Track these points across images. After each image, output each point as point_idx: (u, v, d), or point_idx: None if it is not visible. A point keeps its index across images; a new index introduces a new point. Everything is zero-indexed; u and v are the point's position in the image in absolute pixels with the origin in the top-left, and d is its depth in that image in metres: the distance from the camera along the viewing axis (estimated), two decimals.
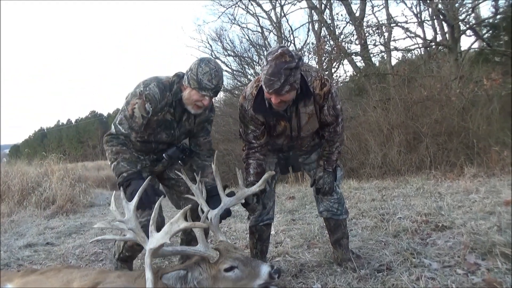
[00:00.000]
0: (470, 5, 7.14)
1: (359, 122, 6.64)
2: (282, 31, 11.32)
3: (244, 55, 12.29)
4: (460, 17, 6.94)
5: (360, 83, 8.05)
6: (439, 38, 8.14)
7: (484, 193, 3.64)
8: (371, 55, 8.52)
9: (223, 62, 12.24)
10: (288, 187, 6.38)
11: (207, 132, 2.26)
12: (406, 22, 7.68)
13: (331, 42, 8.50)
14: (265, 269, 1.41)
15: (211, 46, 12.45)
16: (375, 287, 1.90)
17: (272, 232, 2.87)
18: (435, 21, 8.13)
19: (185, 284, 1.40)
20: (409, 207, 3.54)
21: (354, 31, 8.56)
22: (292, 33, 11.19)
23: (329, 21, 9.54)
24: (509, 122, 5.03)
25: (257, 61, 12.09)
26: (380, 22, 8.39)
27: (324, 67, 7.94)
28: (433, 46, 7.81)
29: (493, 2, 6.36)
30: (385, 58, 9.42)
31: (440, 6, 6.92)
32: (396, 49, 8.06)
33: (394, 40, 8.29)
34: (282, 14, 11.38)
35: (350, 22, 8.68)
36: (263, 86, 1.79)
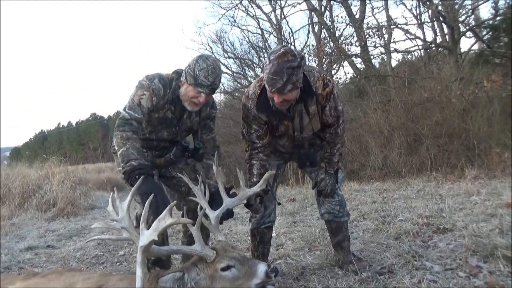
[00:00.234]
0: (470, 7, 7.16)
1: (360, 124, 6.64)
2: (282, 33, 11.34)
3: (244, 57, 12.30)
4: (460, 19, 6.94)
5: (361, 85, 8.06)
6: (439, 39, 8.16)
7: (485, 195, 3.64)
8: (371, 57, 8.52)
9: (224, 64, 12.24)
10: (288, 189, 6.37)
11: (209, 129, 2.24)
12: (406, 24, 7.68)
13: (331, 44, 8.52)
14: (262, 268, 1.40)
15: (211, 48, 12.47)
16: None
17: (273, 234, 2.87)
18: (435, 22, 8.15)
19: (182, 286, 1.39)
20: (410, 209, 3.54)
21: (354, 33, 8.57)
22: (292, 35, 11.20)
23: (329, 23, 9.56)
24: (510, 124, 5.03)
25: (257, 63, 12.11)
26: (380, 24, 8.42)
27: (324, 69, 7.95)
28: (433, 48, 7.81)
29: (493, 4, 6.37)
30: (385, 60, 9.42)
31: (440, 7, 6.93)
32: (396, 51, 8.06)
33: (394, 42, 8.30)
34: (282, 16, 11.40)
35: (350, 24, 8.69)
36: (266, 85, 1.79)
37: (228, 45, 12.34)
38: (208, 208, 1.74)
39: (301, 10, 10.83)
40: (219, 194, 1.86)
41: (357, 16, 8.76)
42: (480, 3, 6.95)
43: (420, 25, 8.37)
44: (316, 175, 2.18)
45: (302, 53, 1.83)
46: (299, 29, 20.38)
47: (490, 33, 6.66)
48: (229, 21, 12.08)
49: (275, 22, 11.65)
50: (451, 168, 5.20)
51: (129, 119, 1.88)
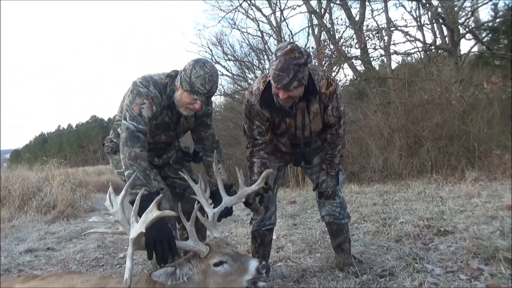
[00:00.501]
0: (469, 9, 7.17)
1: (360, 126, 6.64)
2: (282, 35, 11.36)
3: (244, 60, 12.34)
4: (460, 21, 6.95)
5: (361, 87, 8.07)
6: (438, 41, 8.17)
7: (486, 197, 3.63)
8: (371, 59, 8.54)
9: (223, 67, 12.29)
10: (289, 191, 6.36)
11: (207, 126, 2.18)
12: (405, 26, 7.72)
13: (331, 46, 8.52)
14: (253, 264, 1.41)
15: (211, 50, 12.49)
16: None
17: (274, 237, 2.86)
18: (435, 24, 8.15)
19: (175, 281, 1.41)
20: (410, 211, 3.53)
21: (354, 35, 8.58)
22: (292, 38, 11.21)
23: (329, 25, 9.57)
24: (510, 126, 5.03)
25: (257, 65, 12.15)
26: (380, 26, 8.43)
27: None
28: (433, 50, 7.82)
29: (493, 6, 6.39)
30: (385, 62, 9.43)
31: (439, 10, 6.95)
32: (396, 53, 8.07)
33: (394, 44, 8.28)
34: (282, 19, 11.44)
35: (350, 26, 8.70)
36: (271, 81, 1.78)
37: (228, 48, 12.38)
38: (207, 205, 1.73)
39: (300, 12, 10.93)
40: (218, 193, 1.84)
41: (357, 18, 8.77)
42: (479, 5, 6.97)
43: (420, 27, 8.41)
44: (317, 177, 2.18)
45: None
46: (299, 31, 20.40)
47: (490, 35, 6.68)
48: (229, 23, 12.15)
49: (275, 24, 11.69)
50: (451, 170, 5.19)
51: (135, 131, 1.78)
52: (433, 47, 7.87)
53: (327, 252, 2.60)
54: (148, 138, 2.01)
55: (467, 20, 7.11)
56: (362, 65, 8.67)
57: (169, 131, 2.06)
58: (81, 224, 5.48)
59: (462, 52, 7.23)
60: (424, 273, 2.02)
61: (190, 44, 14.73)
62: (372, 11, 8.77)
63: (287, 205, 4.94)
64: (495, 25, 6.43)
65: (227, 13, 11.57)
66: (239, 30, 12.05)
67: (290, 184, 6.74)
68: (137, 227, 1.35)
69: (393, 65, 9.07)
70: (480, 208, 3.20)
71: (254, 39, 12.14)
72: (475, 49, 7.35)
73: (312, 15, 10.15)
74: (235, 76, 12.62)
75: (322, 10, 9.92)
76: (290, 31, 11.50)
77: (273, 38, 11.82)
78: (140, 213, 1.47)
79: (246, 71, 12.44)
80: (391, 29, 8.09)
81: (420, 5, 7.87)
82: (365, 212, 3.74)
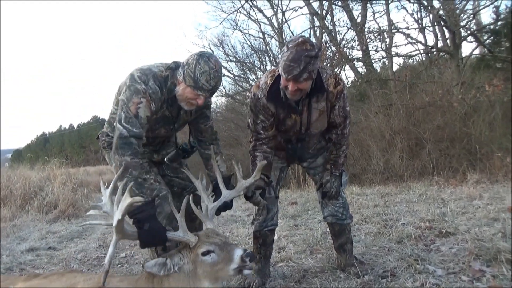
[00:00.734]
0: (471, 11, 7.18)
1: (361, 128, 6.63)
2: (283, 37, 11.38)
3: (245, 61, 12.37)
4: (461, 23, 6.96)
5: (362, 89, 8.07)
6: (440, 44, 8.16)
7: (488, 199, 3.63)
8: (373, 61, 8.54)
9: (225, 68, 12.31)
10: (290, 192, 6.36)
11: (206, 118, 2.13)
12: (407, 28, 7.71)
13: (333, 48, 8.54)
14: (237, 252, 1.43)
15: (213, 51, 12.51)
16: None
17: (275, 237, 2.86)
18: (436, 27, 8.15)
19: (167, 271, 1.44)
20: (412, 213, 3.53)
21: (356, 37, 8.61)
22: None
23: (330, 27, 9.59)
24: (511, 128, 5.02)
25: (258, 66, 12.17)
26: (382, 28, 8.45)
27: None
28: (435, 52, 7.83)
29: (494, 9, 6.39)
30: (387, 64, 9.45)
31: (441, 12, 6.96)
32: (397, 55, 8.08)
33: (396, 46, 8.27)
34: (284, 20, 11.47)
35: (352, 28, 8.72)
36: (281, 73, 1.77)
37: (229, 49, 12.43)
38: (207, 199, 1.72)
39: (302, 14, 10.94)
40: (218, 187, 1.83)
41: (358, 20, 8.79)
42: (481, 7, 6.98)
43: (422, 30, 8.40)
44: (321, 177, 2.18)
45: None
46: (301, 33, 20.44)
47: (491, 37, 6.68)
48: (231, 24, 12.19)
49: (276, 26, 11.71)
50: (453, 172, 5.18)
51: (127, 137, 1.71)
52: (434, 50, 7.87)
53: (329, 252, 2.60)
54: (147, 132, 1.96)
55: (469, 23, 7.13)
56: (363, 67, 8.69)
57: (169, 125, 2.02)
58: (82, 223, 5.49)
59: (463, 55, 7.25)
60: (425, 274, 2.02)
61: (192, 44, 14.67)
62: (374, 13, 8.81)
63: (288, 206, 4.94)
64: (497, 27, 6.43)
65: (229, 14, 11.61)
66: (241, 31, 12.09)
67: (291, 185, 6.74)
68: (116, 215, 1.38)
69: (395, 67, 9.10)
70: (482, 210, 3.19)
71: (255, 40, 12.19)
72: (477, 51, 7.36)
73: (314, 17, 10.17)
74: (236, 77, 12.67)
75: (324, 12, 9.94)
76: (292, 33, 11.53)
77: (275, 39, 11.86)
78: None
79: (248, 72, 12.48)
80: (393, 31, 8.10)
81: (421, 7, 7.89)
82: (367, 213, 3.74)
